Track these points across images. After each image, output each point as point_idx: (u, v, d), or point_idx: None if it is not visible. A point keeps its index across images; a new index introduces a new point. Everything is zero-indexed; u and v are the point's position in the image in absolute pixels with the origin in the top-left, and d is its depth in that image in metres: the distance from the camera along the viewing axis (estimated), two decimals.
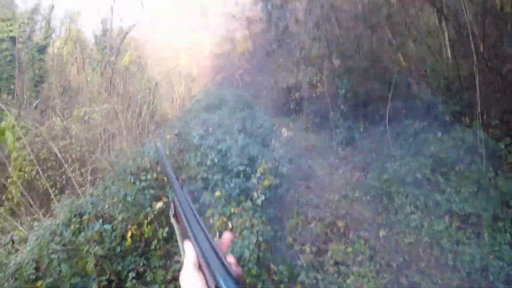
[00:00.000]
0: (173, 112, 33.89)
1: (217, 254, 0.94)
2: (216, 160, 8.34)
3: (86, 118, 18.34)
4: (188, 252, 1.02)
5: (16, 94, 24.16)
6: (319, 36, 13.45)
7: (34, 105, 21.55)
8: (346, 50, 13.96)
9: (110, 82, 23.41)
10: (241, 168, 8.57)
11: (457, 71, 9.84)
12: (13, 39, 24.27)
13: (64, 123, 17.63)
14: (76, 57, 28.52)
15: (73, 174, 14.27)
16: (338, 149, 14.42)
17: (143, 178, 7.48)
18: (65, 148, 17.23)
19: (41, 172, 13.94)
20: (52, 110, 21.54)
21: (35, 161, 14.06)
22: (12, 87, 24.39)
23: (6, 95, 23.26)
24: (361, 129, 14.15)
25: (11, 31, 23.99)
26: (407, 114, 12.30)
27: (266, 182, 6.89)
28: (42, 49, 25.29)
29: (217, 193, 6.64)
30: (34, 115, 19.99)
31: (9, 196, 15.15)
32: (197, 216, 1.11)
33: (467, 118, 9.92)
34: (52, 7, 27.54)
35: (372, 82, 13.85)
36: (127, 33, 27.48)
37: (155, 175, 7.64)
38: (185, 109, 26.38)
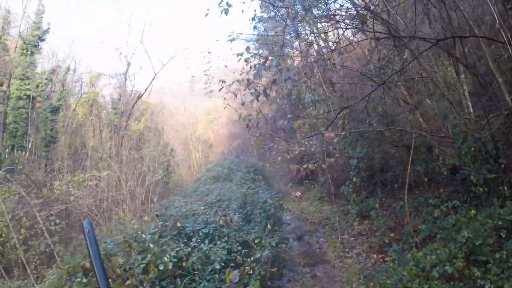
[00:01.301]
0: (190, 179, 32.39)
1: None
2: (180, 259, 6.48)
3: (88, 183, 16.87)
4: None
5: (27, 153, 23.61)
6: (318, 100, 11.58)
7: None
8: (356, 113, 12.12)
9: (117, 147, 22.33)
10: (217, 266, 6.73)
11: (488, 129, 7.81)
12: (30, 98, 23.80)
13: (63, 187, 16.43)
14: (92, 120, 27.92)
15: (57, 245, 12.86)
16: (353, 223, 12.27)
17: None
18: (64, 213, 15.95)
19: (17, 242, 12.43)
20: (58, 172, 20.59)
21: (12, 229, 12.58)
22: (27, 145, 23.88)
23: (20, 152, 23.13)
24: (379, 201, 12.03)
25: (28, 89, 23.56)
26: (430, 183, 10.21)
27: None
28: (55, 110, 24.77)
29: None
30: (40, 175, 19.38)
31: None
32: None
33: (505, 188, 7.76)
34: (67, 70, 27.40)
35: (389, 146, 11.85)
36: (139, 97, 26.67)
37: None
38: (195, 178, 24.96)
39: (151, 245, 6.83)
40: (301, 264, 9.74)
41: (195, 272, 6.72)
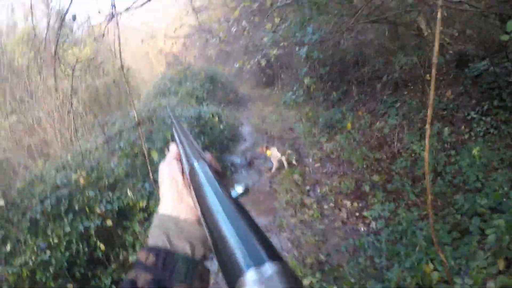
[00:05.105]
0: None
1: (195, 147, 0.83)
2: None
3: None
4: (171, 148, 0.89)
5: None
6: None
7: None
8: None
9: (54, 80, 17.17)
10: None
11: None
12: None
13: None
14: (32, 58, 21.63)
15: None
16: (320, 140, 8.23)
17: None
18: None
19: None
20: None
21: None
22: None
23: None
24: (350, 118, 7.82)
25: None
26: (430, 82, 5.98)
27: None
28: None
29: None
30: None
31: None
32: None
33: None
34: None
35: (363, 22, 7.24)
36: (63, 17, 20.29)
37: None
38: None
39: None
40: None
41: None
